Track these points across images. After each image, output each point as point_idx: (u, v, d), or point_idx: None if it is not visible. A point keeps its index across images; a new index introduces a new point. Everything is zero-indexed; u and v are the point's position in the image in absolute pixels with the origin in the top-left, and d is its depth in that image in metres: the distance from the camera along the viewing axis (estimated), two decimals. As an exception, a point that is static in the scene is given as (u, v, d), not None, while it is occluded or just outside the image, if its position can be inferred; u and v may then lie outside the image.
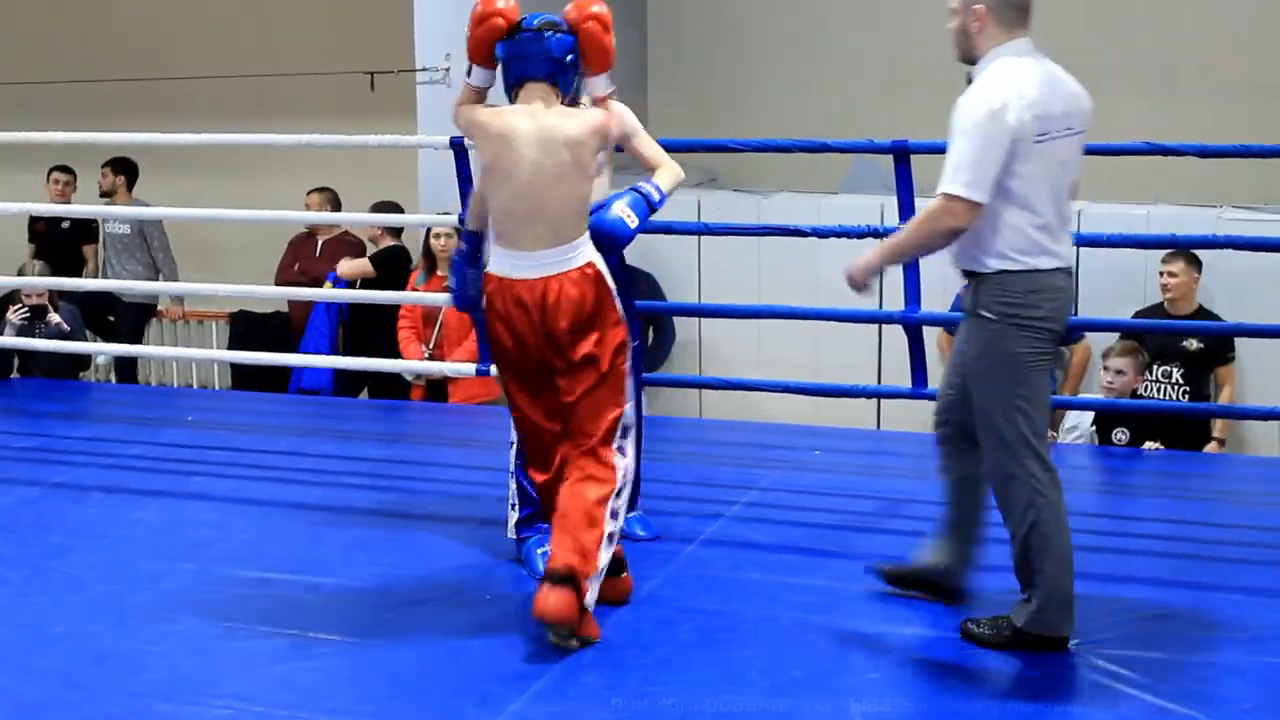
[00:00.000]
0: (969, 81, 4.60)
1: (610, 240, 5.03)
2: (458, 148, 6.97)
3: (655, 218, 7.45)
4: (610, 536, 4.65)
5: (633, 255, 8.44)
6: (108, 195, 10.13)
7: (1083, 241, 6.82)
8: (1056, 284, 4.50)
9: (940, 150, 6.54)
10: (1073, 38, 9.69)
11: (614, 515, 4.69)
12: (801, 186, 9.32)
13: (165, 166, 10.67)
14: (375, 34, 10.20)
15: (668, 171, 5.25)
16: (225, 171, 10.92)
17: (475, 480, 6.36)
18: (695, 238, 8.60)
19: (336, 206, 9.51)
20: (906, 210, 6.41)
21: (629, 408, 4.81)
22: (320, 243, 9.47)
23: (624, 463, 4.77)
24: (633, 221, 5.04)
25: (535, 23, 4.87)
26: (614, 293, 4.77)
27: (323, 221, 9.12)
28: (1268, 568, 5.47)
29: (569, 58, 4.91)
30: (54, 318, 8.42)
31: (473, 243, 5.17)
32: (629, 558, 5.03)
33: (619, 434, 4.76)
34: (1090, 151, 6.47)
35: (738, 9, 10.49)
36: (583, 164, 4.78)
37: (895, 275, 6.70)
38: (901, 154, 6.37)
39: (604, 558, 4.63)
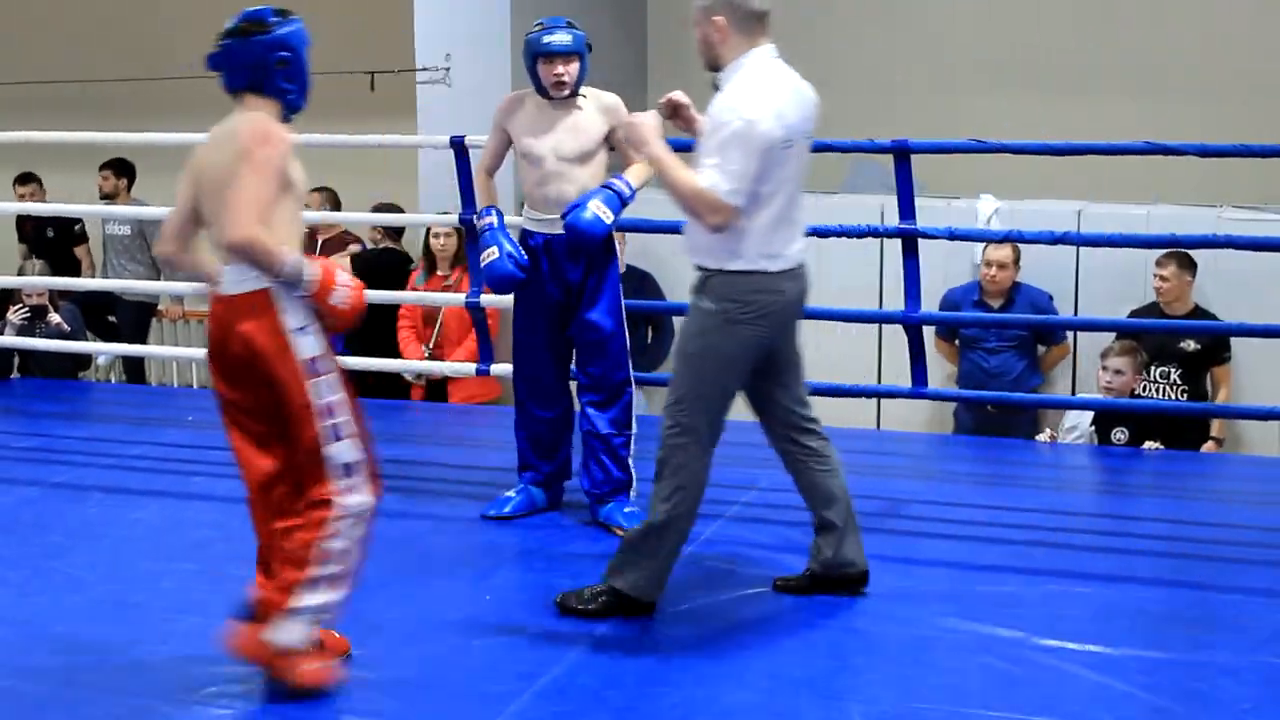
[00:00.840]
0: (715, 89, 4.69)
1: (586, 238, 5.28)
2: (458, 147, 6.97)
3: (656, 217, 7.49)
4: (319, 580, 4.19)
5: (632, 255, 8.48)
6: (109, 198, 10.12)
7: (1083, 241, 6.83)
8: (781, 286, 4.71)
9: (941, 150, 6.62)
10: (1072, 38, 9.71)
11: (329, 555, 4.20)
12: (804, 185, 9.30)
13: (164, 167, 10.64)
14: (375, 34, 10.20)
15: (641, 167, 5.44)
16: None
17: (476, 480, 6.36)
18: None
19: (336, 206, 9.51)
20: (906, 210, 6.40)
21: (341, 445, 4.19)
22: (320, 242, 9.46)
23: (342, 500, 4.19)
24: (607, 218, 5.32)
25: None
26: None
27: (322, 221, 9.11)
28: (1266, 567, 5.47)
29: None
30: (54, 318, 8.42)
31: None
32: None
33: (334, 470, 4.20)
34: (1090, 151, 6.55)
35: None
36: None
37: (896, 274, 6.71)
38: (901, 154, 6.37)
39: (310, 599, 4.20)
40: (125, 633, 4.76)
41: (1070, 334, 8.11)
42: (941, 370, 8.21)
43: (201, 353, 10.33)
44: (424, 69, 8.99)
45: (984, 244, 7.99)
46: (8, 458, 6.94)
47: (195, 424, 7.56)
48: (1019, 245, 7.56)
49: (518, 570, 5.38)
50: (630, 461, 5.82)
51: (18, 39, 11.80)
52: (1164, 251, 7.44)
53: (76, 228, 10.57)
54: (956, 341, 8.05)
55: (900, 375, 6.91)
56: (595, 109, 5.62)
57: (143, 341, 10.13)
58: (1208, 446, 7.41)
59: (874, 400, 8.24)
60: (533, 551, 5.59)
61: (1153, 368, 7.49)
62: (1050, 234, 6.56)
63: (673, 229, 7.43)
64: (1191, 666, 4.51)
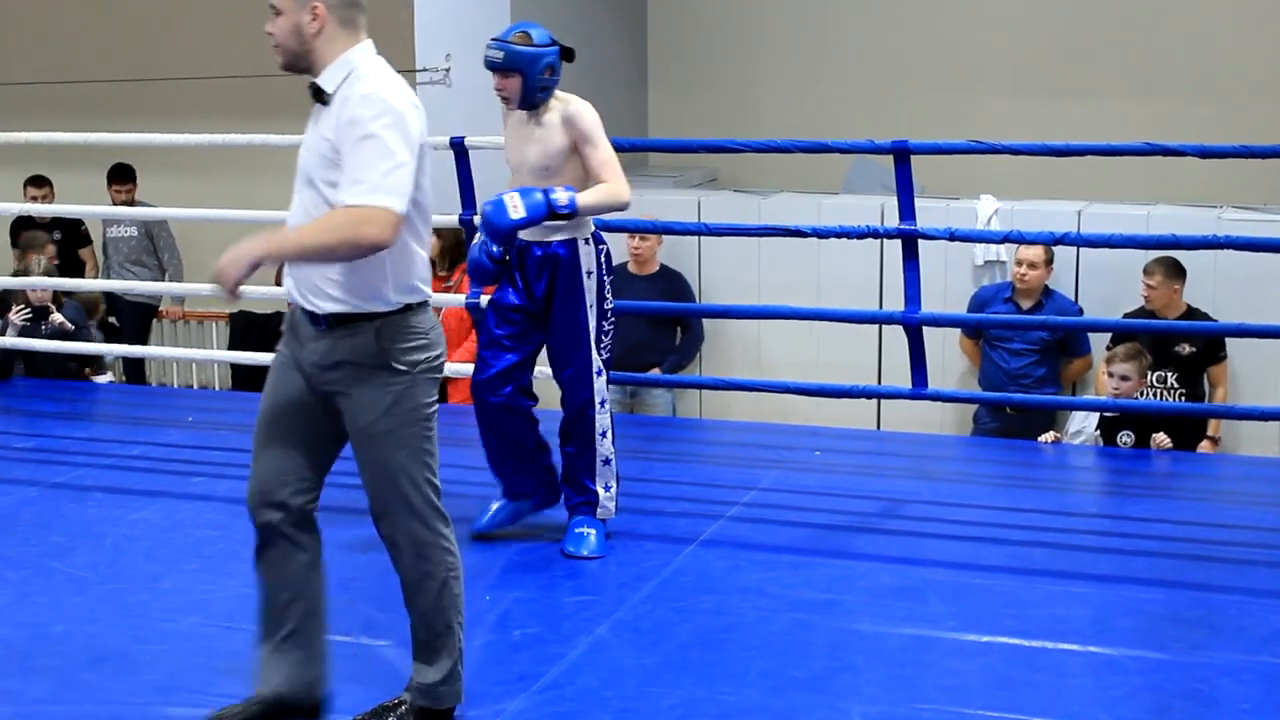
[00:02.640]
0: (316, 97, 3.90)
1: (487, 226, 5.22)
2: (457, 148, 6.97)
3: (657, 218, 7.50)
4: None
5: (665, 255, 8.47)
6: (125, 205, 10.14)
7: (1082, 242, 6.83)
8: (434, 317, 4.00)
9: (941, 151, 6.61)
10: (1072, 39, 9.72)
11: None
12: (802, 186, 9.32)
13: (165, 167, 10.67)
14: (375, 34, 10.09)
15: (601, 188, 5.29)
16: (225, 172, 10.92)
17: (474, 481, 6.33)
18: (695, 238, 8.60)
19: (336, 207, 9.50)
20: (907, 210, 6.40)
21: None
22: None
23: None
24: (515, 213, 5.15)
25: None
26: None
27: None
28: (1266, 568, 5.47)
29: None
30: (57, 317, 8.41)
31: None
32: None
33: None
34: (1090, 152, 6.54)
35: (738, 9, 10.49)
36: None
37: (896, 275, 6.71)
38: (901, 154, 6.36)
39: None
40: (125, 633, 4.77)
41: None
42: (964, 368, 8.21)
43: (202, 353, 10.39)
44: (424, 69, 8.99)
45: (984, 244, 8.01)
46: (8, 458, 6.94)
47: (195, 424, 7.56)
48: (1051, 247, 7.51)
49: (516, 571, 5.38)
50: (592, 481, 5.57)
51: (23, 41, 11.80)
52: (1153, 258, 7.44)
53: (82, 228, 10.57)
54: (980, 342, 8.04)
55: (901, 376, 6.89)
56: (559, 120, 5.37)
57: (143, 342, 10.14)
58: (1204, 446, 7.41)
59: (874, 400, 8.24)
60: (531, 551, 5.58)
61: (1150, 372, 7.48)
62: (1050, 234, 6.56)
63: (702, 230, 7.48)
64: (1191, 667, 4.51)
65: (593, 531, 5.58)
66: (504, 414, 5.56)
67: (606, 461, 5.60)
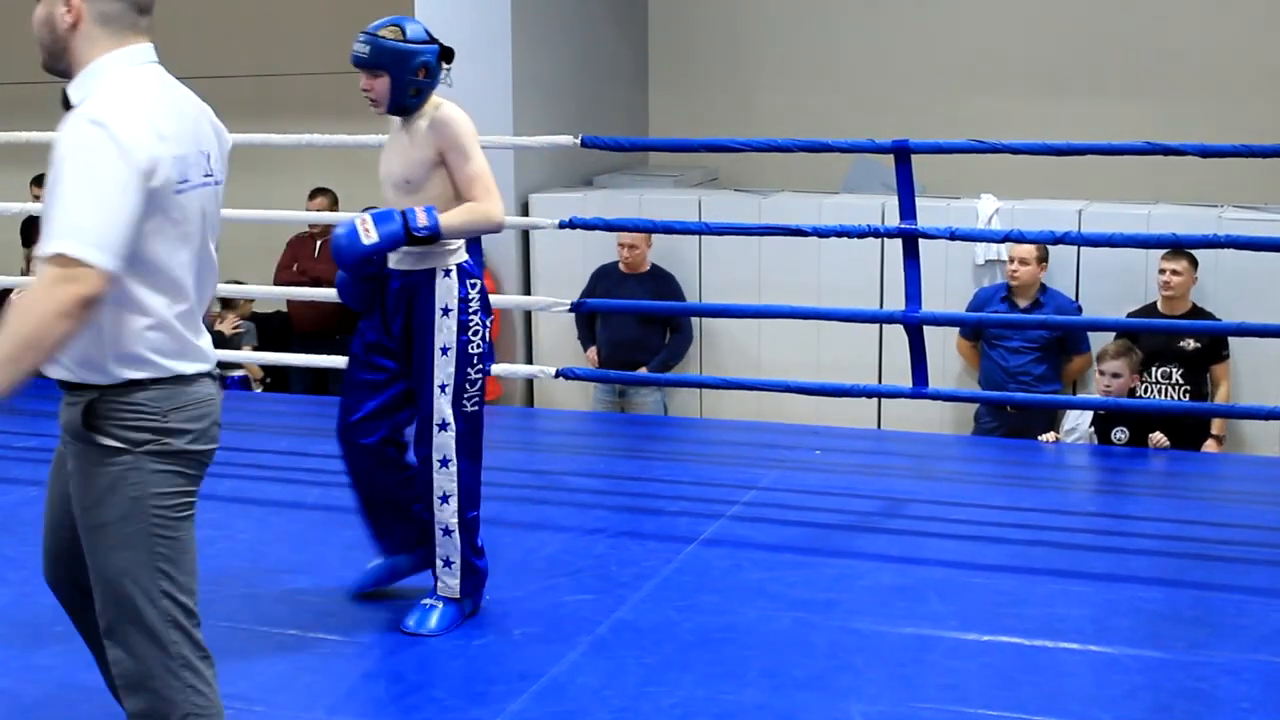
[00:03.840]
0: (65, 106, 3.21)
1: (337, 253, 4.60)
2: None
3: (658, 218, 7.50)
4: None
5: (657, 255, 8.48)
6: None
7: (1083, 241, 6.83)
8: (205, 394, 3.25)
9: (942, 150, 6.62)
10: (1073, 38, 9.72)
11: None
12: (802, 186, 9.31)
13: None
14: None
15: (467, 208, 4.65)
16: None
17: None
18: (696, 237, 8.60)
19: (336, 207, 9.52)
20: (907, 210, 6.40)
21: None
22: (319, 244, 9.47)
23: None
24: (368, 237, 4.52)
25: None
26: None
27: (322, 221, 9.11)
28: (1266, 567, 5.48)
29: None
30: None
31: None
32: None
33: None
34: (1091, 151, 6.54)
35: (738, 9, 10.49)
36: None
37: (896, 274, 6.71)
38: (902, 154, 6.36)
39: None
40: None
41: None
42: (964, 367, 8.21)
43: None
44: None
45: (985, 244, 8.01)
46: (8, 458, 6.94)
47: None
48: (1044, 244, 7.51)
49: (517, 570, 5.37)
50: (430, 552, 4.88)
51: (29, 39, 11.79)
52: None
53: None
54: (979, 343, 8.04)
55: (901, 375, 6.90)
56: (425, 126, 4.70)
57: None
58: (1208, 445, 7.41)
59: (875, 400, 8.25)
60: (533, 551, 5.58)
61: (1154, 368, 7.49)
62: (1050, 234, 6.56)
63: (698, 230, 7.48)
64: (1191, 666, 4.51)
65: (437, 607, 4.84)
66: (372, 462, 4.87)
67: (447, 531, 4.79)
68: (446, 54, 4.75)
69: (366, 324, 4.85)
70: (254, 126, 8.44)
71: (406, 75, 4.65)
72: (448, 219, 4.60)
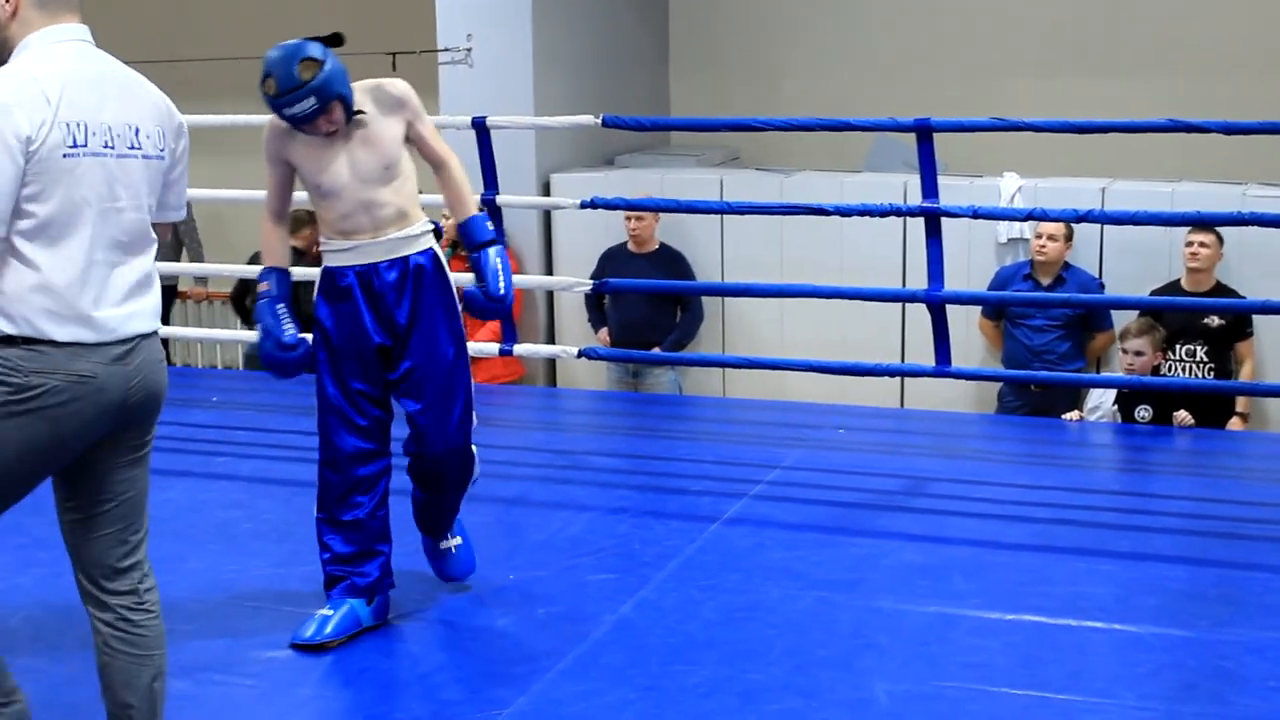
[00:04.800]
0: None
1: (485, 315, 4.89)
2: (479, 128, 6.97)
3: (680, 197, 7.49)
4: None
5: (665, 233, 8.48)
6: None
7: (1107, 219, 6.80)
8: (77, 365, 3.32)
9: (963, 128, 6.59)
10: (1096, 15, 9.67)
11: None
12: (824, 165, 9.29)
13: (192, 148, 10.68)
14: (397, 14, 10.20)
15: (462, 181, 4.78)
16: (246, 153, 10.91)
17: (497, 460, 6.35)
18: (717, 217, 8.59)
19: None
20: (929, 188, 6.38)
21: None
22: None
23: None
24: (505, 281, 4.71)
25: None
26: None
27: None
28: (1292, 545, 5.46)
29: None
30: None
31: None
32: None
33: None
34: (1114, 129, 6.51)
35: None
36: None
37: (918, 253, 6.70)
38: (924, 132, 6.34)
39: None
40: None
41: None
42: (985, 348, 8.20)
43: (223, 334, 10.39)
44: (446, 49, 8.99)
45: (1008, 222, 7.98)
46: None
47: (219, 405, 7.59)
48: (1070, 223, 7.48)
49: (540, 550, 5.38)
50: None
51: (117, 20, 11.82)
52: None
53: None
54: (1002, 322, 8.02)
55: (924, 353, 6.89)
56: (384, 112, 4.59)
57: (164, 322, 10.17)
58: (1233, 423, 7.38)
59: (898, 379, 8.24)
60: (556, 532, 5.59)
61: (1179, 346, 7.46)
62: (1074, 212, 6.54)
63: (720, 209, 7.46)
64: (1216, 644, 4.50)
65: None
66: (377, 505, 4.75)
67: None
68: (335, 40, 4.60)
69: (350, 340, 4.65)
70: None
71: (345, 89, 4.49)
72: (472, 202, 4.74)
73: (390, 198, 4.58)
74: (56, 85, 3.27)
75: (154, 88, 3.53)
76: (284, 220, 4.80)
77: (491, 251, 4.70)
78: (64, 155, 3.25)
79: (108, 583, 3.57)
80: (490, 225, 4.78)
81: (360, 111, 4.54)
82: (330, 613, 4.61)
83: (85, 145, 3.29)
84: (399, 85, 4.64)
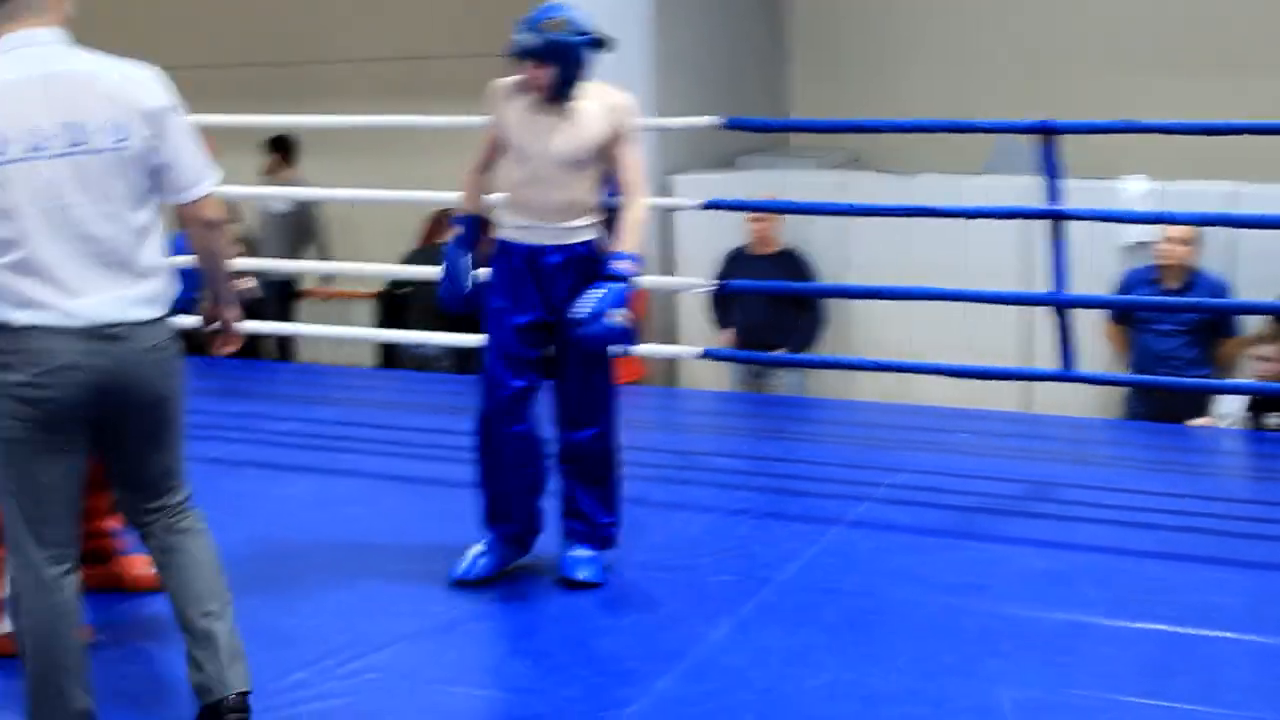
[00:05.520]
0: None
1: (598, 345, 4.90)
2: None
3: (800, 199, 7.44)
4: None
5: (787, 235, 8.45)
6: (270, 173, 10.38)
7: (1237, 223, 6.69)
8: (40, 345, 3.53)
9: (1088, 130, 6.49)
10: (1225, 12, 9.51)
11: None
12: (946, 165, 9.22)
13: (316, 148, 10.83)
14: (508, 14, 10.22)
15: (636, 222, 4.89)
16: (376, 153, 11.03)
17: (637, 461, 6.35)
18: (840, 219, 8.55)
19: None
20: (1053, 190, 6.31)
21: None
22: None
23: None
24: (618, 319, 4.78)
25: None
26: None
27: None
28: None
29: None
30: (249, 283, 8.60)
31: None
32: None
33: None
34: (1244, 131, 6.37)
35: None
36: None
37: (1043, 256, 6.62)
38: (1047, 133, 6.26)
39: None
40: (275, 607, 4.82)
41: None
42: (1111, 353, 8.09)
43: (349, 331, 10.50)
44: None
45: (1134, 225, 7.87)
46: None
47: (344, 401, 7.67)
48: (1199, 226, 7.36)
49: (661, 551, 5.38)
50: (613, 505, 5.14)
51: (176, 25, 12.01)
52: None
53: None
54: (1128, 326, 7.90)
55: (1050, 359, 6.81)
56: (600, 107, 4.85)
57: (287, 319, 10.28)
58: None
59: (1025, 382, 8.15)
60: (678, 531, 5.58)
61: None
62: (1202, 215, 6.43)
63: (841, 211, 7.41)
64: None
65: (593, 557, 5.09)
66: (527, 443, 5.01)
67: (614, 483, 5.17)
68: (601, 43, 4.86)
69: (509, 307, 4.91)
70: (408, 108, 8.54)
71: (572, 66, 4.77)
72: (632, 241, 4.85)
73: (570, 186, 4.83)
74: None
75: (123, 80, 3.62)
76: (484, 174, 5.07)
77: (597, 291, 4.77)
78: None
79: (136, 516, 3.87)
80: (623, 269, 4.80)
81: (568, 95, 4.79)
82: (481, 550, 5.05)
83: (3, 153, 3.48)
84: (626, 100, 4.92)
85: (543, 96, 4.80)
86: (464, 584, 4.99)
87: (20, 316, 3.53)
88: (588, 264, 4.87)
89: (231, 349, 4.10)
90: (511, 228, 4.92)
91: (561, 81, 4.77)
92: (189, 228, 3.80)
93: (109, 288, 3.58)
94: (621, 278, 4.77)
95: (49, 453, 3.61)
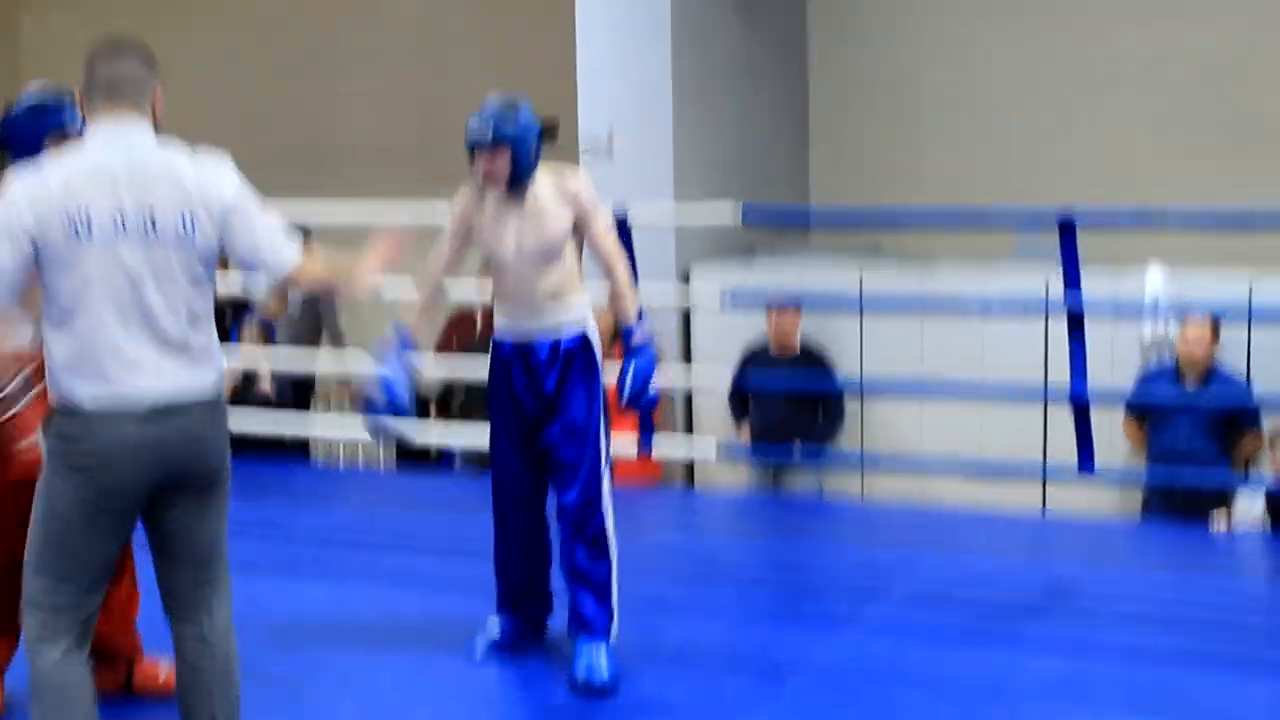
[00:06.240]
0: None
1: (634, 400, 5.08)
2: (619, 220, 7.00)
3: (817, 291, 7.45)
4: None
5: (816, 329, 8.44)
6: None
7: (1256, 316, 6.67)
8: (96, 425, 3.74)
9: (1107, 221, 6.48)
10: (1243, 103, 9.53)
11: None
12: (966, 252, 9.22)
13: (328, 241, 10.86)
14: (538, 104, 10.29)
15: (626, 284, 5.09)
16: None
17: (635, 561, 6.32)
18: (857, 311, 8.56)
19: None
20: (1072, 282, 6.31)
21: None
22: (480, 320, 9.54)
23: None
24: (647, 387, 5.05)
25: None
26: None
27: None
28: None
29: None
30: (265, 385, 8.63)
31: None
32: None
33: None
34: (1264, 221, 6.35)
35: (900, 73, 10.44)
36: None
37: (1062, 349, 6.61)
38: (1067, 224, 6.26)
39: None
40: (289, 714, 4.80)
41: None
42: (1129, 450, 8.06)
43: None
44: (587, 145, 9.06)
45: (1152, 320, 7.86)
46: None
47: (360, 501, 7.66)
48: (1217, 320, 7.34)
49: (676, 654, 5.34)
50: (610, 599, 5.12)
51: (195, 113, 12.10)
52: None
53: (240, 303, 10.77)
54: (1147, 422, 7.87)
55: (1067, 455, 6.78)
56: (556, 196, 4.94)
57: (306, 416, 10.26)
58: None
59: (1040, 482, 8.12)
60: (693, 633, 5.54)
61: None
62: (1220, 309, 6.41)
63: (859, 307, 7.41)
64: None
65: (601, 647, 5.07)
66: (538, 531, 5.25)
67: (608, 569, 5.15)
68: (550, 131, 4.99)
69: (509, 409, 5.08)
70: (421, 198, 8.59)
71: (526, 152, 4.87)
72: (632, 307, 5.03)
73: (546, 279, 4.92)
74: (61, 179, 3.69)
75: (198, 174, 3.82)
76: (435, 281, 5.16)
77: (633, 363, 4.97)
78: (67, 240, 3.66)
79: (176, 615, 4.00)
80: (641, 334, 5.03)
81: (524, 184, 4.89)
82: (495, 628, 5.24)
83: (90, 232, 3.68)
84: (578, 178, 5.00)
85: (496, 188, 4.91)
86: (479, 662, 5.18)
87: (80, 394, 3.72)
88: (577, 358, 5.00)
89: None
90: (501, 324, 5.06)
91: (516, 170, 4.86)
92: (299, 291, 3.95)
93: (167, 368, 3.78)
94: (644, 346, 4.99)
95: (96, 528, 3.80)
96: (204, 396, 3.86)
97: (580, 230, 4.99)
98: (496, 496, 5.18)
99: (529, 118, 4.91)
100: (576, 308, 5.01)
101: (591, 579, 5.05)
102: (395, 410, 5.01)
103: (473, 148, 4.88)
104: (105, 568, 3.90)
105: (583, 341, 5.01)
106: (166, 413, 3.78)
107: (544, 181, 4.95)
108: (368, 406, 5.09)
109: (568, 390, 5.00)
